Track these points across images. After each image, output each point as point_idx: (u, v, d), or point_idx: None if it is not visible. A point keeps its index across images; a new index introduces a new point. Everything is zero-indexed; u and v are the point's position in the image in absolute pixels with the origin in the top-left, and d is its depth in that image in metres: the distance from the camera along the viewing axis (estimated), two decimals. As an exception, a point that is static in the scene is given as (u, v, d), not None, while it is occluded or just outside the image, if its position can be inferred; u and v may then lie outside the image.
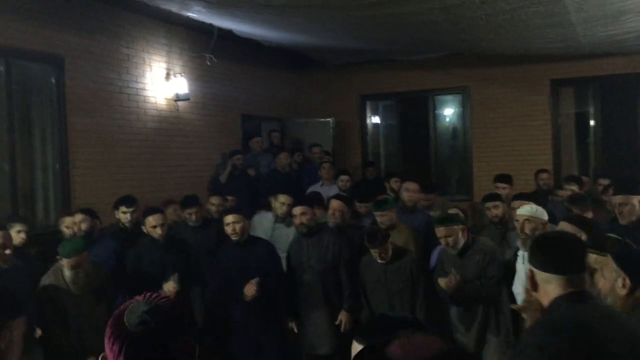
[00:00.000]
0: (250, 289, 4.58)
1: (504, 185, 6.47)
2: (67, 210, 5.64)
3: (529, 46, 7.44)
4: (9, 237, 4.11)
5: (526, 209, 4.44)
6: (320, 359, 5.14)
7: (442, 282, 4.32)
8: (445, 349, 1.25)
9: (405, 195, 5.91)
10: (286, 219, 5.80)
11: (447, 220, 4.47)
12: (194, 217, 5.73)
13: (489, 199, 5.50)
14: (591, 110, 9.03)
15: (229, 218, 4.83)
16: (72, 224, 5.13)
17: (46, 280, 4.11)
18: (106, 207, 5.76)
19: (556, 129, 8.98)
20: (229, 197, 6.58)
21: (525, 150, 8.95)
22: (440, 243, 4.58)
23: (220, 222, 6.06)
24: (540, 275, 2.21)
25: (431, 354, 1.21)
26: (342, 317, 4.83)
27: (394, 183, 7.25)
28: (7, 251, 3.99)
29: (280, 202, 5.84)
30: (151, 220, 4.73)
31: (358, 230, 5.50)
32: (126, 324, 1.30)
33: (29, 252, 4.90)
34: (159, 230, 4.71)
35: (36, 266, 4.56)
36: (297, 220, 4.96)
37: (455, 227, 4.40)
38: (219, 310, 4.97)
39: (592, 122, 9.02)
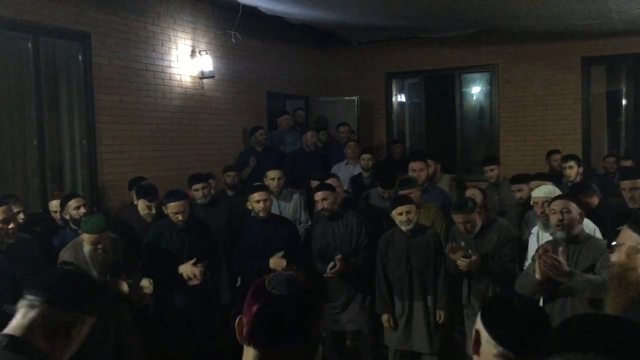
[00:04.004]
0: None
1: (492, 167, 6.43)
2: (58, 193, 5.45)
3: (559, 22, 7.26)
4: (11, 212, 3.94)
5: (543, 190, 4.50)
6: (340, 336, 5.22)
7: (462, 263, 4.29)
8: None
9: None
10: (280, 193, 5.90)
11: (464, 207, 4.43)
12: (200, 193, 5.60)
13: (515, 181, 5.60)
14: (623, 89, 8.78)
15: (257, 195, 4.91)
16: (57, 208, 5.06)
17: (65, 254, 4.14)
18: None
19: (587, 108, 8.77)
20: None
21: (554, 130, 8.79)
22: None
23: (231, 199, 6.10)
24: None
25: None
26: None
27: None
28: (11, 225, 3.86)
29: (270, 177, 5.87)
30: (173, 206, 4.71)
31: (378, 212, 5.53)
32: (267, 287, 1.45)
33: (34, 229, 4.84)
34: (179, 217, 4.72)
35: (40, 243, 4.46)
36: (319, 205, 5.00)
37: (473, 214, 4.39)
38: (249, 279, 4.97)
39: (624, 101, 8.79)
